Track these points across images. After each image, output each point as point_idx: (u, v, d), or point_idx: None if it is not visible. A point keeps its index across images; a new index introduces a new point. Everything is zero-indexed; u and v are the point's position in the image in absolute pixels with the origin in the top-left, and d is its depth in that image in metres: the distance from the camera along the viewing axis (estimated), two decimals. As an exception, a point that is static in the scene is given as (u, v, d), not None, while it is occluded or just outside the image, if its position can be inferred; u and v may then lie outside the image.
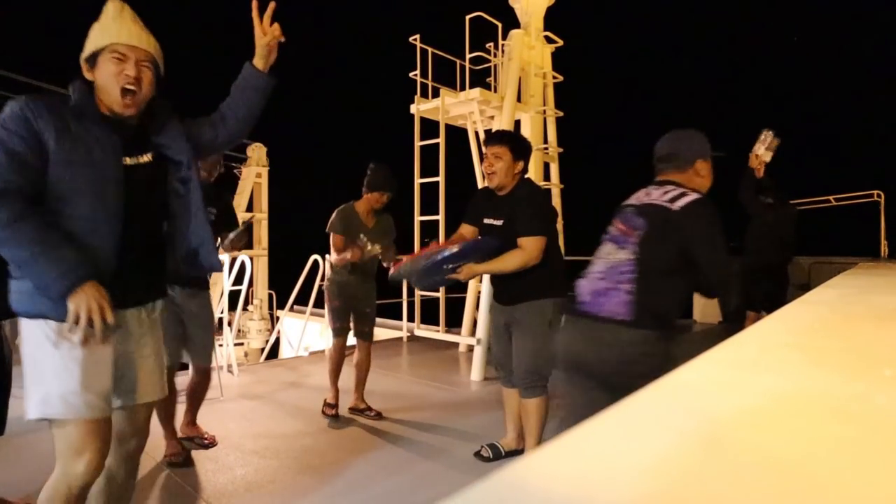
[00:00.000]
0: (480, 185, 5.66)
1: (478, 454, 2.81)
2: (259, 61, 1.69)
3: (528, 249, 2.45)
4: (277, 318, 6.40)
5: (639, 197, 1.90)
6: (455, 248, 2.44)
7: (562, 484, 0.35)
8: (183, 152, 1.66)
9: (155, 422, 3.36)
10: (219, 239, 2.88)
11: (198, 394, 3.06)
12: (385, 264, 3.46)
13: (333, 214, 3.44)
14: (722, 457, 0.41)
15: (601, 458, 0.40)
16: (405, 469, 2.74)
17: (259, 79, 1.70)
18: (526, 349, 2.58)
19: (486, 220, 2.63)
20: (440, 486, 2.55)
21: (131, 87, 1.51)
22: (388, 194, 3.47)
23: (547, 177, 5.63)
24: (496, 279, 2.69)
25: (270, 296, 10.04)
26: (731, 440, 0.44)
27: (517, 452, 2.82)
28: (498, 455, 2.78)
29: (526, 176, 2.68)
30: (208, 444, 2.99)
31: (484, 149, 2.64)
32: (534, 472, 0.37)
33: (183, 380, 3.03)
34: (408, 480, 2.61)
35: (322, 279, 5.22)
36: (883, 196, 8.23)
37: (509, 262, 2.47)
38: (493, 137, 2.63)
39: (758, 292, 4.88)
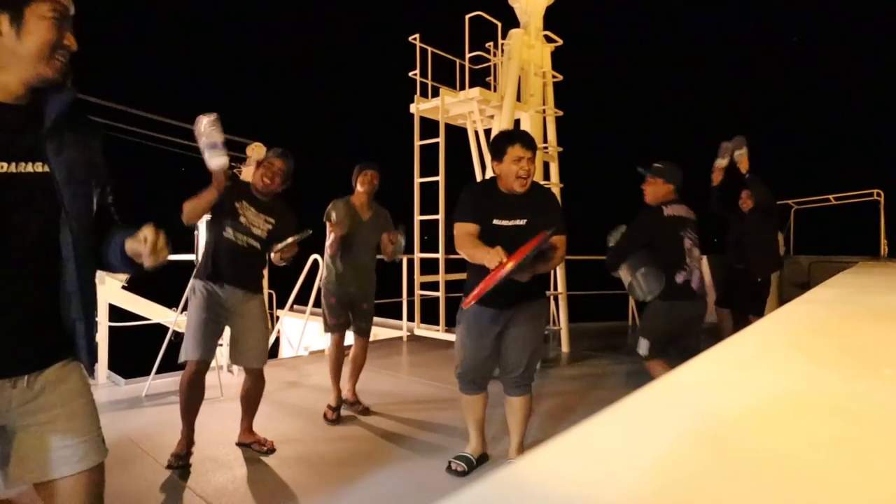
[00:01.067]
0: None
1: (450, 469, 2.67)
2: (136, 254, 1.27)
3: (564, 246, 2.49)
4: (277, 318, 6.39)
5: (684, 211, 3.22)
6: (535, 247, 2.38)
7: (562, 484, 0.35)
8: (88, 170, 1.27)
9: (155, 421, 3.37)
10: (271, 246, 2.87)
11: (252, 398, 2.98)
12: (387, 258, 3.45)
13: (329, 205, 3.47)
14: (721, 456, 0.41)
15: (601, 458, 0.40)
16: (405, 468, 2.74)
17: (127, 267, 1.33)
18: (528, 348, 2.57)
19: (498, 222, 2.46)
20: (440, 486, 2.55)
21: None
22: (374, 170, 3.50)
23: (547, 176, 5.63)
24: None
25: (270, 295, 10.01)
26: (730, 439, 0.44)
27: (485, 458, 2.81)
28: (471, 465, 2.69)
29: None
30: (267, 450, 2.91)
31: (512, 149, 2.43)
32: (534, 472, 0.37)
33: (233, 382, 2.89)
34: (408, 479, 2.61)
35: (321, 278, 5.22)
36: (882, 195, 8.23)
37: (556, 259, 2.46)
38: (525, 139, 2.47)
39: (735, 293, 4.85)
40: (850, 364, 0.73)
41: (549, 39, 5.66)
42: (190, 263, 4.57)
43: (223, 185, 2.61)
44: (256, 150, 10.84)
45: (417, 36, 5.31)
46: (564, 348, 5.83)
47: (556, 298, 6.07)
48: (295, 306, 6.45)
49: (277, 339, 7.51)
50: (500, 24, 5.47)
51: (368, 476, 2.63)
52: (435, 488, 2.52)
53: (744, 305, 4.72)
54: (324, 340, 5.80)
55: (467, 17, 5.22)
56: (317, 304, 5.60)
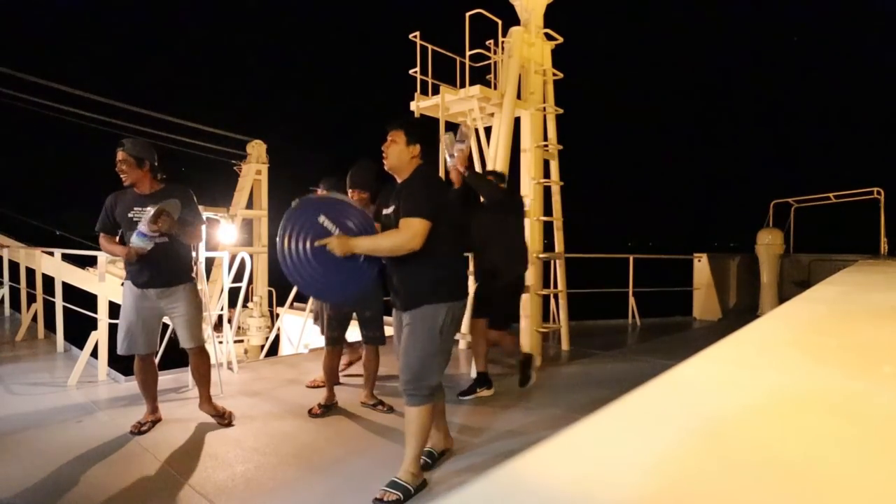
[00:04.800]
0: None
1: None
2: None
3: (405, 230, 2.28)
4: (277, 315, 6.39)
5: None
6: (356, 206, 2.47)
7: (562, 483, 0.35)
8: None
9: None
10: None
11: (201, 373, 3.25)
12: None
13: None
14: (722, 454, 0.40)
15: (602, 457, 0.40)
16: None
17: None
18: (410, 356, 2.40)
19: (385, 212, 2.48)
20: (440, 484, 2.55)
21: None
22: (365, 193, 3.49)
23: (547, 174, 5.62)
24: (391, 282, 2.50)
25: (270, 293, 10.04)
26: (731, 437, 0.44)
27: (446, 452, 2.81)
28: (432, 457, 2.71)
29: (425, 164, 2.53)
30: (227, 423, 3.22)
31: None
32: (534, 471, 0.37)
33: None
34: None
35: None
36: (883, 193, 8.23)
37: (385, 241, 2.34)
38: (392, 121, 2.49)
39: (488, 300, 4.09)
40: (851, 362, 0.73)
41: (549, 37, 5.65)
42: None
43: (130, 258, 2.95)
44: (256, 148, 10.82)
45: (418, 34, 5.30)
46: (564, 346, 5.83)
47: (555, 297, 6.07)
48: (295, 304, 6.45)
49: (277, 337, 7.52)
50: (500, 22, 5.45)
51: (368, 472, 2.63)
52: (435, 486, 2.53)
53: (497, 312, 4.07)
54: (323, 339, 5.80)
55: (468, 14, 5.21)
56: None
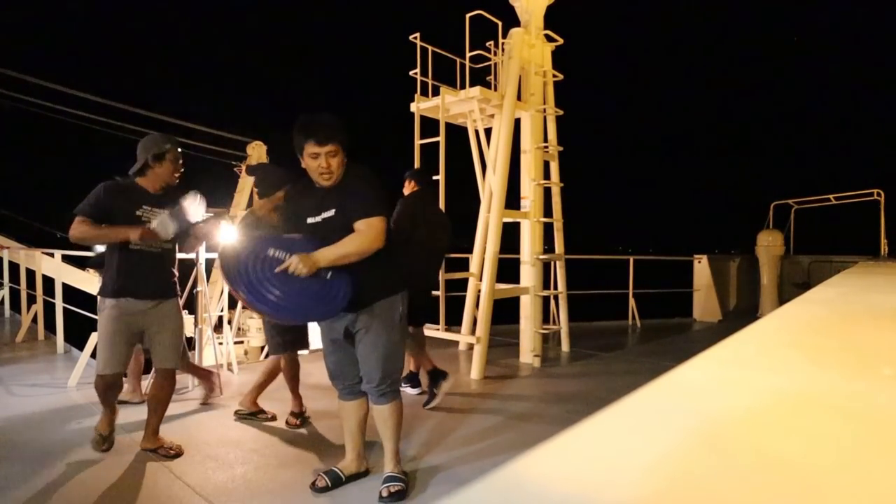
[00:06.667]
0: (481, 183, 5.66)
1: (314, 486, 2.46)
2: None
3: (369, 230, 2.19)
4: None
5: None
6: (284, 237, 2.26)
7: (562, 484, 0.35)
8: None
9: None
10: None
11: (160, 399, 2.92)
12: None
13: None
14: (722, 455, 0.40)
15: (601, 458, 0.40)
16: (406, 467, 2.74)
17: None
18: (378, 354, 2.34)
19: (312, 220, 2.31)
20: (440, 485, 2.55)
21: None
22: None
23: (547, 175, 5.62)
24: None
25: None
26: (730, 439, 0.44)
27: (361, 475, 2.59)
28: (338, 482, 2.50)
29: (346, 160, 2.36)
30: (174, 454, 2.84)
31: (307, 146, 2.25)
32: (534, 472, 0.37)
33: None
34: (409, 476, 2.61)
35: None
36: (883, 195, 8.24)
37: (352, 245, 2.18)
38: (320, 134, 2.23)
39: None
40: (851, 364, 0.73)
41: (549, 38, 5.66)
42: (189, 262, 4.56)
43: (145, 239, 2.70)
44: (257, 149, 10.84)
45: (418, 35, 5.30)
46: (564, 348, 5.83)
47: (556, 298, 6.07)
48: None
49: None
50: (500, 24, 5.46)
51: (369, 474, 2.63)
52: (435, 487, 2.53)
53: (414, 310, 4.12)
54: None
55: (468, 16, 5.21)
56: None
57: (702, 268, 8.23)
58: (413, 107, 5.49)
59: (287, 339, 3.38)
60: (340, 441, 3.11)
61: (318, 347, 5.97)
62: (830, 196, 8.92)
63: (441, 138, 5.23)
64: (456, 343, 5.65)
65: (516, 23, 5.52)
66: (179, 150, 2.92)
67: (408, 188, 4.15)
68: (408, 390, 4.03)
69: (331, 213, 2.27)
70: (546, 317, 5.89)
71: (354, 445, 2.59)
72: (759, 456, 0.40)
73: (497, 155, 5.08)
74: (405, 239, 3.77)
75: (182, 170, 2.93)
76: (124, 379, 3.11)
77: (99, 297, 2.81)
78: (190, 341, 4.31)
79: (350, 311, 2.32)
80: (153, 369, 3.04)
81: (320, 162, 2.24)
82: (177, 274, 2.98)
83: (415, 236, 3.76)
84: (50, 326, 5.77)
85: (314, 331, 3.52)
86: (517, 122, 5.36)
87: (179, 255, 3.04)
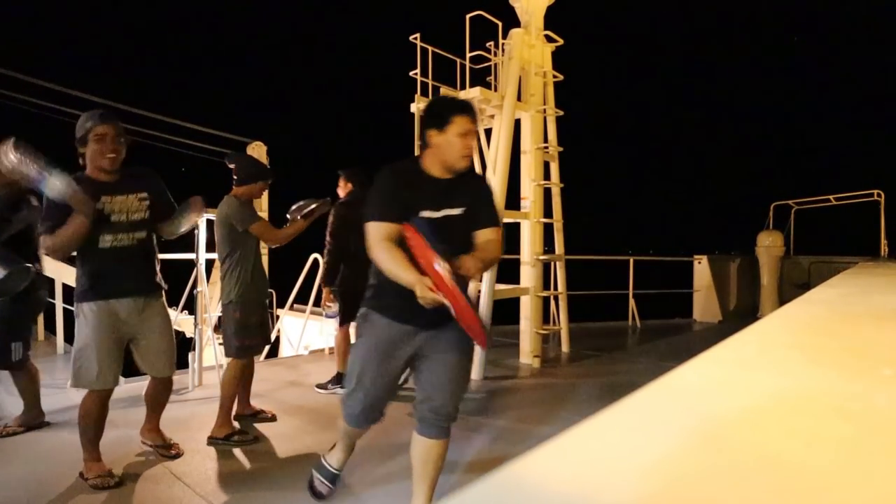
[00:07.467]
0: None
1: (319, 496, 2.37)
2: None
3: (500, 239, 2.05)
4: (277, 317, 6.38)
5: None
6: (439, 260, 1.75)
7: (562, 484, 0.35)
8: None
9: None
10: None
11: (161, 401, 2.85)
12: None
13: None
14: (722, 456, 0.40)
15: (601, 458, 0.40)
16: (405, 467, 2.73)
17: None
18: (462, 380, 2.09)
19: (429, 214, 1.93)
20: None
21: None
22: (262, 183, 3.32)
23: (547, 176, 5.62)
24: (411, 294, 1.76)
25: (270, 294, 10.02)
26: (731, 439, 0.44)
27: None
28: (334, 481, 2.41)
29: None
30: (174, 453, 2.82)
31: (460, 119, 1.95)
32: (534, 472, 0.37)
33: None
34: (407, 479, 2.61)
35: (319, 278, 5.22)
36: (883, 195, 8.24)
37: (492, 255, 1.99)
38: (472, 111, 2.00)
39: None
40: (851, 364, 0.73)
41: (549, 39, 5.66)
42: (189, 262, 4.57)
43: (85, 203, 2.28)
44: (257, 149, 10.85)
45: (418, 35, 5.30)
46: (564, 348, 5.83)
47: (556, 298, 6.07)
48: (295, 305, 6.45)
49: (277, 338, 7.52)
50: (500, 24, 5.46)
51: (368, 474, 2.63)
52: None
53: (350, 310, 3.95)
54: (323, 339, 5.80)
55: (468, 16, 5.21)
56: (316, 303, 5.61)
57: (702, 268, 8.23)
58: (413, 107, 5.50)
59: (247, 345, 3.16)
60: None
61: (319, 347, 5.97)
62: (830, 197, 8.92)
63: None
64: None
65: (516, 23, 5.52)
66: (112, 124, 2.47)
67: (343, 189, 4.00)
68: (338, 391, 3.84)
69: (457, 211, 1.98)
70: (546, 317, 5.89)
71: (346, 448, 2.42)
72: (759, 456, 0.40)
73: (497, 155, 5.08)
74: (342, 247, 3.74)
75: (117, 146, 2.47)
76: None
77: (76, 305, 2.51)
78: (190, 341, 4.32)
79: (426, 330, 1.99)
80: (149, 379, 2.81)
81: (468, 141, 1.97)
82: (158, 273, 2.70)
83: (350, 246, 3.64)
84: (50, 327, 5.77)
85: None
86: (517, 123, 5.36)
87: (178, 256, 3.01)
